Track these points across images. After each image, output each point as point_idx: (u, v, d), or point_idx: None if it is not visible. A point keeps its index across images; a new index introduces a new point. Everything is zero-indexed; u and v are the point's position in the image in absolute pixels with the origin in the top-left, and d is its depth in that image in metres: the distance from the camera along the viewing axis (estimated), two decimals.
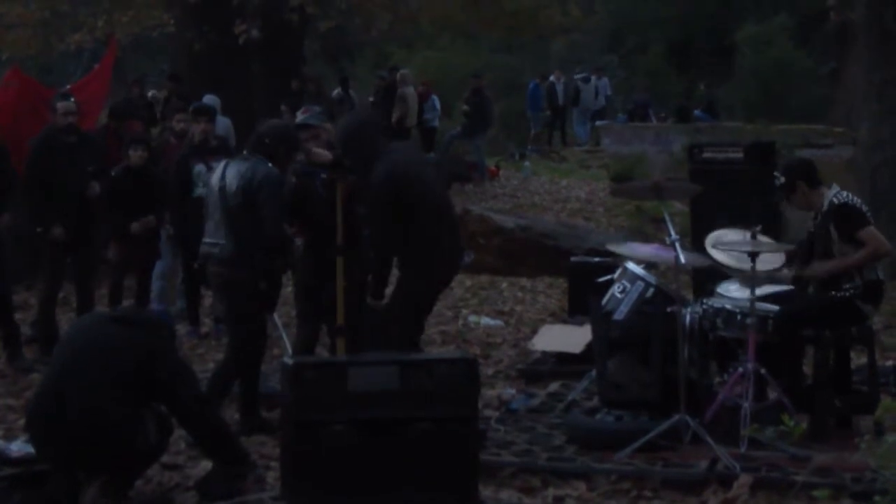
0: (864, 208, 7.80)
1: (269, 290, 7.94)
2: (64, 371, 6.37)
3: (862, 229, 7.59)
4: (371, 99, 23.22)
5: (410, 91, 22.71)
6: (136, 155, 10.76)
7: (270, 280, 7.93)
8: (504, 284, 14.01)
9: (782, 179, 7.84)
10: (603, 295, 7.98)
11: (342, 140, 8.18)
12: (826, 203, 7.70)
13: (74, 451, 6.25)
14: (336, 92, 22.65)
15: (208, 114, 11.17)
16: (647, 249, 8.46)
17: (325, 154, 8.41)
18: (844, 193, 7.76)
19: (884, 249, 7.64)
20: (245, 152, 8.03)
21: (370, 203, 7.98)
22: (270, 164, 7.82)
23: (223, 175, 7.87)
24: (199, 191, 10.09)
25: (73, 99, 10.47)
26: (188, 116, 11.49)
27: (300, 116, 9.25)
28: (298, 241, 8.80)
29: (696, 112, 28.53)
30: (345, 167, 8.23)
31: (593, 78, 29.90)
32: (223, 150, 10.55)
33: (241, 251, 7.72)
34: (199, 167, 10.46)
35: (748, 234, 7.59)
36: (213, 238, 7.90)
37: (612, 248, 8.69)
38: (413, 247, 7.89)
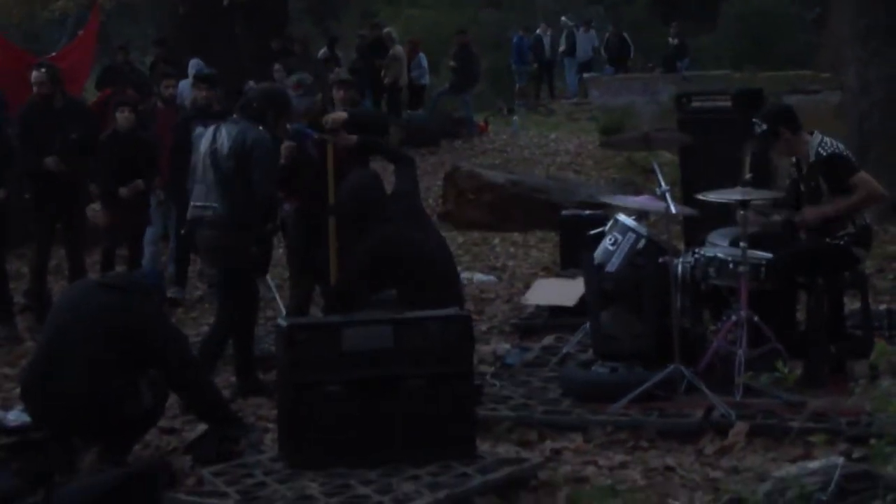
0: (850, 154, 7.78)
1: (260, 252, 7.93)
2: (56, 339, 6.38)
3: (854, 175, 7.56)
4: (355, 55, 23.12)
5: (400, 50, 22.66)
6: (122, 117, 10.68)
7: (262, 243, 7.92)
8: (496, 240, 14.01)
9: (764, 127, 7.69)
10: (595, 247, 7.98)
11: (344, 200, 7.78)
12: (812, 154, 7.63)
13: (69, 419, 6.27)
14: (322, 52, 22.56)
15: (209, 80, 11.14)
16: (637, 200, 8.46)
17: (342, 115, 8.39)
18: (828, 141, 7.68)
19: (877, 194, 7.63)
20: (235, 115, 7.99)
21: (358, 258, 7.69)
22: (260, 128, 7.78)
23: (214, 138, 7.83)
24: None
25: (43, 69, 10.38)
26: (175, 82, 11.43)
27: (291, 93, 9.20)
28: (288, 207, 8.78)
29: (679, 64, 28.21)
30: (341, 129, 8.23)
31: (581, 29, 29.84)
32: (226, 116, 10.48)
33: (234, 214, 7.70)
34: (200, 129, 10.35)
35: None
36: (205, 201, 7.85)
37: (604, 199, 8.63)
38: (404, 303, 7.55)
